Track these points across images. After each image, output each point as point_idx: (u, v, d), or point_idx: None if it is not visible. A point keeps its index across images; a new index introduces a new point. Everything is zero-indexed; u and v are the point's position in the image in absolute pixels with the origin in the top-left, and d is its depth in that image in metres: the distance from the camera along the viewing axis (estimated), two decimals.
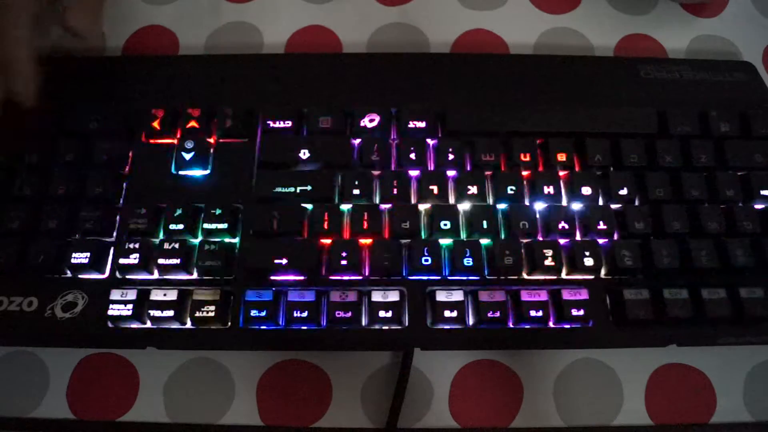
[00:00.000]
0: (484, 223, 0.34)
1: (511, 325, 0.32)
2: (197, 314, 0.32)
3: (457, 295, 0.32)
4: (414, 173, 0.35)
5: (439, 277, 0.33)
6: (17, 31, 0.33)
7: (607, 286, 0.34)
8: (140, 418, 0.33)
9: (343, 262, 0.32)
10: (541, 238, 0.34)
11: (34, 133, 0.36)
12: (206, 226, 0.33)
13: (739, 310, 0.33)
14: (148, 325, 0.32)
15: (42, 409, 0.33)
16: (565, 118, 0.37)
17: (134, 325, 0.32)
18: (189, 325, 0.32)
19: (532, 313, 0.32)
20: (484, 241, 0.34)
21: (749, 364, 0.35)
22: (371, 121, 0.36)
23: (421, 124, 0.36)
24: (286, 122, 0.36)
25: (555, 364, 0.35)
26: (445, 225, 0.34)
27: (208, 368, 0.34)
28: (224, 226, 0.33)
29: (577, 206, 0.35)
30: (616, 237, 0.34)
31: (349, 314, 0.32)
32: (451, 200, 0.35)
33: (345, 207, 0.34)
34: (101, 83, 0.38)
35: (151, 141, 0.36)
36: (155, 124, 0.36)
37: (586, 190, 0.35)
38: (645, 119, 0.37)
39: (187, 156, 0.35)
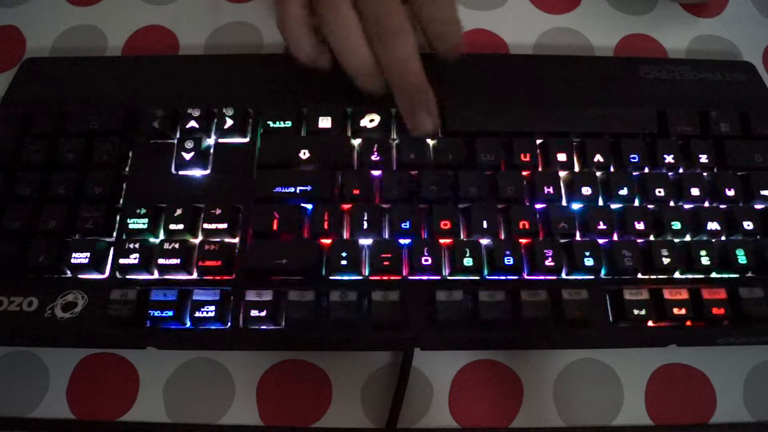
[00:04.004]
0: (484, 223, 0.34)
1: (511, 325, 0.32)
2: (197, 314, 0.32)
3: (457, 295, 0.32)
4: (413, 173, 0.35)
5: (439, 277, 0.33)
6: None
7: (607, 286, 0.34)
8: (140, 418, 0.33)
9: (343, 262, 0.32)
10: (541, 238, 0.34)
11: None
12: (206, 226, 0.33)
13: (739, 310, 0.33)
14: (148, 325, 0.32)
15: (42, 409, 0.33)
16: (565, 118, 0.37)
17: (134, 325, 0.32)
18: (189, 325, 0.32)
19: (533, 313, 0.32)
20: (485, 241, 0.34)
21: (749, 364, 0.35)
22: (371, 121, 0.36)
23: None
24: (286, 122, 0.36)
25: (555, 364, 0.35)
26: (445, 225, 0.34)
27: (208, 368, 0.34)
28: (224, 226, 0.33)
29: (577, 206, 0.35)
30: (615, 237, 0.34)
31: (349, 314, 0.32)
32: (451, 200, 0.35)
33: (345, 207, 0.34)
34: (101, 83, 0.38)
35: (151, 141, 0.36)
36: (155, 124, 0.36)
37: (586, 190, 0.35)
38: (645, 119, 0.37)
39: (187, 156, 0.35)
